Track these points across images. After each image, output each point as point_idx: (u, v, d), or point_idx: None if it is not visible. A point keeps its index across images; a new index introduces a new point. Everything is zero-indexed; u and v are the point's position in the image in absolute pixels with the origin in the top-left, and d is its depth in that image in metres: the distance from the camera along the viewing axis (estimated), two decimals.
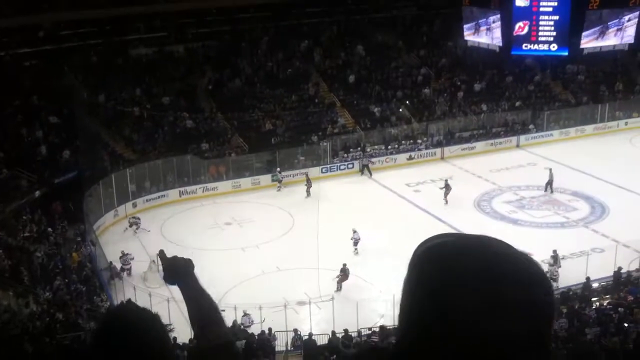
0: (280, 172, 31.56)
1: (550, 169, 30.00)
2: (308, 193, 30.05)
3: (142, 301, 18.62)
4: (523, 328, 1.14)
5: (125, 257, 23.34)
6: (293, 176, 32.21)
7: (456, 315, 1.13)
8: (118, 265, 23.21)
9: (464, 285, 1.14)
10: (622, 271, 21.76)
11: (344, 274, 22.21)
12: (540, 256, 23.24)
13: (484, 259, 1.18)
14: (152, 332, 1.81)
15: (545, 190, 29.70)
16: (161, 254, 2.47)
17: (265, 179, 31.73)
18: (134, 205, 28.92)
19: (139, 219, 27.28)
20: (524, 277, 1.18)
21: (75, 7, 34.18)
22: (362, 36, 40.97)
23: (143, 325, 1.81)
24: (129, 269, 23.26)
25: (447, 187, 28.87)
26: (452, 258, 1.19)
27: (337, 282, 22.20)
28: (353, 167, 33.64)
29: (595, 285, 21.70)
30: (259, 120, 35.16)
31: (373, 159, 33.68)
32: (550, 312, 1.20)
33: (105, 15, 35.40)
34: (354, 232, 24.23)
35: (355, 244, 24.40)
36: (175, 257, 2.26)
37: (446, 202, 28.68)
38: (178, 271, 2.19)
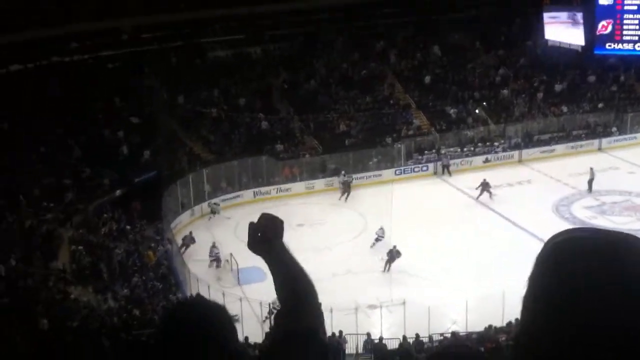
0: (344, 175, 31.26)
1: (592, 168, 29.50)
2: (344, 199, 29.88)
3: (215, 300, 18.98)
4: None
5: (213, 249, 23.94)
6: (366, 178, 32.11)
7: (585, 313, 1.10)
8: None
9: (596, 283, 1.11)
10: None
11: (391, 255, 23.07)
12: None
13: (619, 256, 1.14)
14: (217, 324, 1.72)
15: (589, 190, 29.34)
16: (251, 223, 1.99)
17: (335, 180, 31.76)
18: (210, 206, 29.47)
19: (218, 205, 28.34)
20: None
21: (155, 10, 35.17)
22: (438, 36, 40.47)
23: (208, 318, 1.73)
24: (217, 261, 23.95)
25: (486, 186, 29.07)
26: (585, 254, 1.15)
27: (385, 263, 23.14)
28: (427, 169, 33.27)
29: None
30: (333, 122, 35.23)
31: (452, 160, 33.31)
32: None
33: (184, 19, 36.29)
34: (380, 229, 24.42)
35: (378, 240, 24.79)
36: (264, 217, 1.91)
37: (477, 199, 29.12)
38: (265, 235, 1.86)
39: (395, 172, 32.68)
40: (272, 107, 35.64)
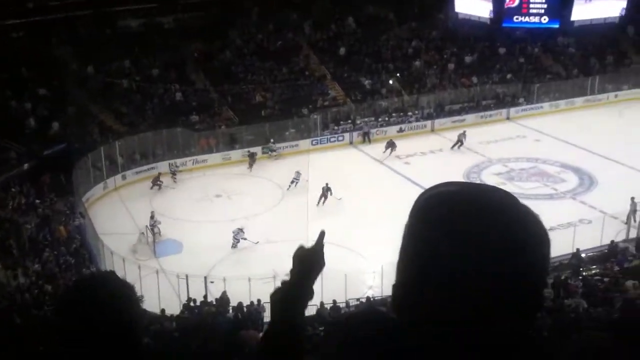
0: (274, 143, 31.58)
1: (633, 198, 24.38)
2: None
3: (131, 274, 18.78)
4: (518, 277, 1.19)
5: (154, 220, 23.43)
6: (283, 148, 32.18)
7: (454, 261, 1.18)
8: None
9: (463, 233, 1.19)
10: (606, 243, 22.01)
11: (324, 191, 25.25)
12: None
13: (486, 208, 1.22)
14: (120, 299, 1.79)
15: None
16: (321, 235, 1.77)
17: (256, 151, 31.67)
18: (124, 178, 28.90)
19: (161, 181, 28.08)
20: (524, 228, 1.22)
21: None
22: (353, 8, 40.65)
23: (110, 292, 1.79)
24: (158, 232, 23.52)
25: (392, 145, 30.96)
26: (452, 205, 1.23)
27: (320, 197, 25.48)
28: (343, 139, 33.65)
29: (582, 256, 21.88)
30: (249, 93, 35.02)
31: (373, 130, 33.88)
32: (545, 265, 1.26)
33: None
34: (240, 230, 23.12)
35: (294, 182, 27.12)
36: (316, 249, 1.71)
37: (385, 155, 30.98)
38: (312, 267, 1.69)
39: (311, 143, 32.89)
40: (187, 78, 35.07)
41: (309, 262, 1.69)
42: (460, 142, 32.09)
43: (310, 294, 1.67)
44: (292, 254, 1.68)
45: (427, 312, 1.22)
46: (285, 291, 1.65)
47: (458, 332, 1.19)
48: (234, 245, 22.79)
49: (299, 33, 39.23)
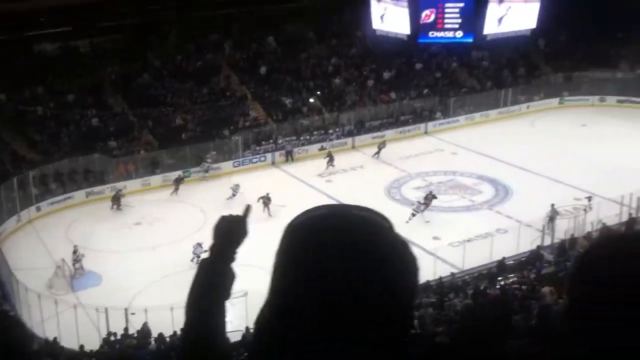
0: (211, 162, 31.71)
1: (553, 205, 25.27)
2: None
3: (47, 310, 18.23)
4: (373, 306, 1.22)
5: (77, 254, 22.68)
6: (205, 172, 31.92)
7: (320, 283, 1.21)
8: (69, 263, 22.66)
9: (326, 256, 1.22)
10: (523, 251, 22.71)
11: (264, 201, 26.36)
12: (450, 239, 24.13)
13: (342, 238, 1.25)
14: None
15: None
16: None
17: (175, 176, 31.30)
18: (38, 209, 28.01)
19: (122, 195, 28.27)
20: (382, 256, 1.25)
21: None
22: (273, 27, 40.85)
23: None
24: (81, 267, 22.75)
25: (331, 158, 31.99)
26: (318, 231, 1.27)
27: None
28: (265, 159, 33.65)
29: (506, 264, 22.43)
30: (169, 116, 34.65)
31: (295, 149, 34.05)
32: (408, 294, 1.27)
33: (7, 10, 33.93)
34: (199, 245, 22.71)
35: (234, 195, 27.62)
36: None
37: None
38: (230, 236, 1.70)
39: (233, 164, 32.76)
40: (104, 102, 34.42)
41: (230, 230, 1.70)
42: (379, 150, 33.21)
43: (231, 267, 1.67)
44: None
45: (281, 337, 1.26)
46: (207, 264, 1.65)
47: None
48: (193, 260, 22.29)
49: (219, 53, 39.12)
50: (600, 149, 32.13)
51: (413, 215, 26.05)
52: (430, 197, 26.72)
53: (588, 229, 23.94)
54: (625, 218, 24.67)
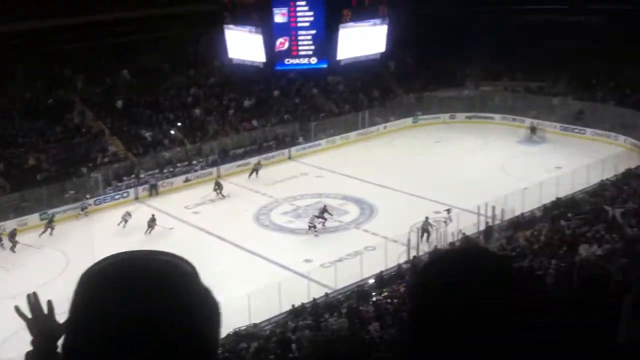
0: (88, 199, 31.06)
1: (427, 218, 26.59)
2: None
3: None
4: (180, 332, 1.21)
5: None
6: (64, 212, 30.49)
7: (114, 329, 1.19)
8: None
9: (124, 301, 1.21)
10: (392, 266, 23.44)
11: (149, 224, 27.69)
12: (321, 260, 24.49)
13: (148, 275, 1.25)
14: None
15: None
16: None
17: (33, 218, 29.68)
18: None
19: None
20: (185, 296, 1.26)
21: None
22: (127, 60, 39.93)
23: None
24: None
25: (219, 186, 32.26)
26: (115, 277, 1.26)
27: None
28: (128, 195, 32.65)
29: (371, 281, 23.01)
30: (21, 156, 32.85)
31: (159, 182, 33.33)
32: (209, 329, 1.29)
33: None
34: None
35: (125, 220, 27.79)
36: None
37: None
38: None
39: (95, 202, 31.53)
40: None
41: (43, 328, 1.77)
42: (255, 170, 33.87)
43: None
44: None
45: None
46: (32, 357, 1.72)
47: None
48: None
49: (71, 89, 37.68)
50: (455, 163, 33.97)
51: (310, 227, 27.39)
52: (323, 211, 28.00)
53: (450, 239, 25.14)
54: (482, 227, 26.16)
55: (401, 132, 41.38)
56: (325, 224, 27.88)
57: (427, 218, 26.29)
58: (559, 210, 26.08)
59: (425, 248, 24.93)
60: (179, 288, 1.26)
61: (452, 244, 24.61)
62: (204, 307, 1.29)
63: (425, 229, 26.10)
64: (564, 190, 28.22)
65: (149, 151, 35.38)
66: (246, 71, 39.42)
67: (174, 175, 34.49)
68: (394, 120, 42.41)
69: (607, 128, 37.34)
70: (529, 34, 44.22)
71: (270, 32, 36.40)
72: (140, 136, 36.18)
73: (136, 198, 32.64)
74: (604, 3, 42.33)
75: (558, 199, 27.16)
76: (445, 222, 26.52)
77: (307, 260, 24.86)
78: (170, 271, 1.29)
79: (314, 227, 27.48)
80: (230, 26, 36.47)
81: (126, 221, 28.39)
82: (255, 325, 20.37)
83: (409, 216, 27.46)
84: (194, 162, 35.59)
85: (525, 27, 45.26)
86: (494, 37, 42.91)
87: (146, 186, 33.08)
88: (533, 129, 38.73)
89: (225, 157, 36.50)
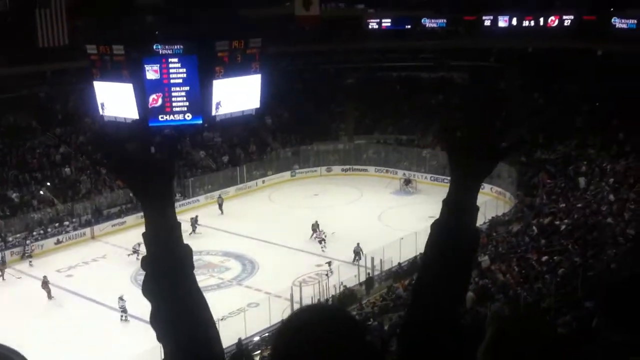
0: (29, 243, 30.99)
1: (358, 243, 28.72)
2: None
3: None
4: None
5: None
6: None
7: None
8: None
9: None
10: (276, 322, 23.30)
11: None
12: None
13: None
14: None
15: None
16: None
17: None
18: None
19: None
20: None
21: None
22: None
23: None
24: None
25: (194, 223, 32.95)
26: None
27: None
28: None
29: (256, 338, 22.77)
30: None
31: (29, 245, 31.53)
32: None
33: None
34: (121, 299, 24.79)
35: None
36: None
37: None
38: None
39: None
40: None
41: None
42: (219, 205, 34.99)
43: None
44: None
45: None
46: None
47: None
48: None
49: None
50: (333, 215, 34.55)
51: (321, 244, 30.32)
52: (315, 226, 31.20)
53: (332, 292, 25.41)
54: (363, 278, 26.66)
55: (279, 186, 41.71)
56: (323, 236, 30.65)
57: (358, 244, 28.40)
58: None
59: (308, 301, 24.98)
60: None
61: (333, 297, 24.94)
62: None
63: (357, 251, 28.20)
64: None
65: (17, 213, 33.55)
66: (119, 128, 38.58)
67: (45, 237, 32.81)
68: (272, 174, 42.74)
69: None
70: (398, 89, 46.44)
71: (142, 89, 35.95)
72: (7, 197, 34.31)
73: (3, 262, 30.67)
74: (466, 60, 45.28)
75: None
76: (327, 274, 26.79)
77: None
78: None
79: (323, 240, 30.33)
80: (100, 82, 35.79)
81: (137, 251, 28.86)
82: None
83: (291, 270, 27.60)
84: (66, 222, 34.07)
85: (394, 83, 47.55)
86: (365, 93, 44.63)
87: (14, 250, 31.24)
88: (407, 181, 40.23)
89: (99, 216, 35.22)
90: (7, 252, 31.08)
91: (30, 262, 30.64)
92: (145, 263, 1.83)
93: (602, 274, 18.98)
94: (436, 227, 1.80)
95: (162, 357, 1.79)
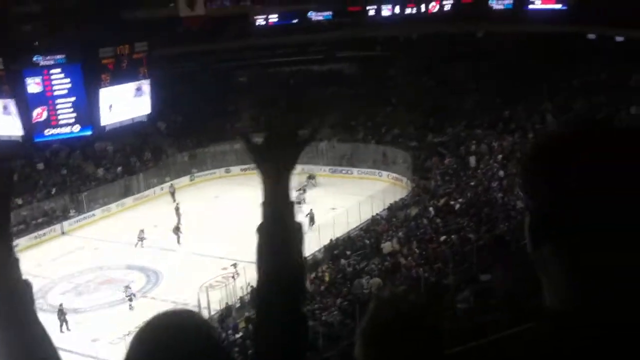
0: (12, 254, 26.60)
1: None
2: None
3: None
4: None
5: None
6: None
7: None
8: None
9: None
10: None
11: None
12: (109, 337, 23.22)
13: None
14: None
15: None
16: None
17: None
18: None
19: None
20: None
21: None
22: None
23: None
24: None
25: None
26: None
27: None
28: None
29: None
30: None
31: None
32: None
33: None
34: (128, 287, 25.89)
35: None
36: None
37: None
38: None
39: None
40: None
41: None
42: (178, 236, 32.34)
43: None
44: None
45: None
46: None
47: None
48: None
49: None
50: (235, 216, 34.14)
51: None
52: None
53: (240, 294, 25.21)
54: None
55: (179, 191, 40.92)
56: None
57: (311, 209, 30.90)
58: (338, 249, 27.36)
59: (217, 307, 24.70)
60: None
61: (242, 299, 24.79)
62: None
63: (311, 217, 30.61)
64: (341, 229, 29.69)
65: None
66: (3, 146, 36.70)
67: None
68: (170, 180, 41.86)
69: (371, 166, 40.10)
70: (290, 84, 46.55)
71: (25, 103, 34.41)
72: None
73: None
74: (350, 50, 45.98)
75: (336, 239, 28.52)
76: (233, 277, 26.55)
77: (94, 340, 23.53)
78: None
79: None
80: None
81: (142, 239, 30.67)
82: None
83: (197, 276, 27.20)
84: None
85: (287, 78, 47.65)
86: (258, 90, 44.48)
87: None
88: (310, 176, 40.12)
89: None
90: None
91: None
92: None
93: (493, 248, 19.75)
94: (262, 229, 1.89)
95: None
